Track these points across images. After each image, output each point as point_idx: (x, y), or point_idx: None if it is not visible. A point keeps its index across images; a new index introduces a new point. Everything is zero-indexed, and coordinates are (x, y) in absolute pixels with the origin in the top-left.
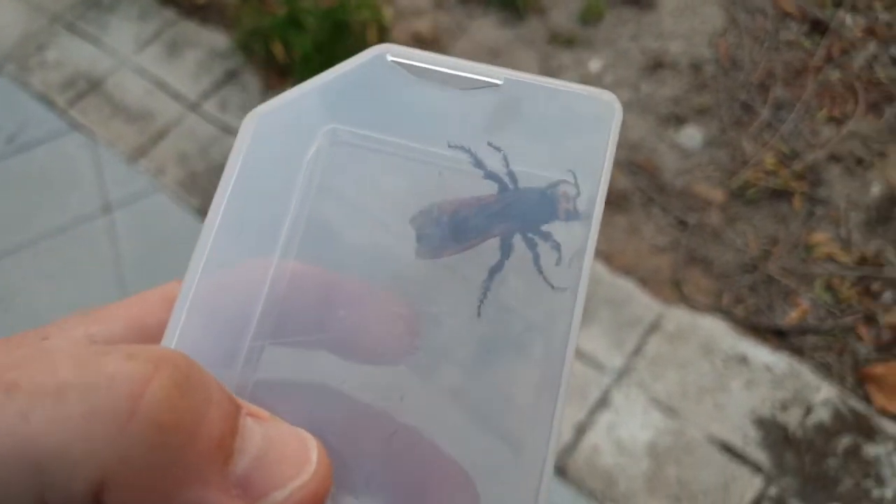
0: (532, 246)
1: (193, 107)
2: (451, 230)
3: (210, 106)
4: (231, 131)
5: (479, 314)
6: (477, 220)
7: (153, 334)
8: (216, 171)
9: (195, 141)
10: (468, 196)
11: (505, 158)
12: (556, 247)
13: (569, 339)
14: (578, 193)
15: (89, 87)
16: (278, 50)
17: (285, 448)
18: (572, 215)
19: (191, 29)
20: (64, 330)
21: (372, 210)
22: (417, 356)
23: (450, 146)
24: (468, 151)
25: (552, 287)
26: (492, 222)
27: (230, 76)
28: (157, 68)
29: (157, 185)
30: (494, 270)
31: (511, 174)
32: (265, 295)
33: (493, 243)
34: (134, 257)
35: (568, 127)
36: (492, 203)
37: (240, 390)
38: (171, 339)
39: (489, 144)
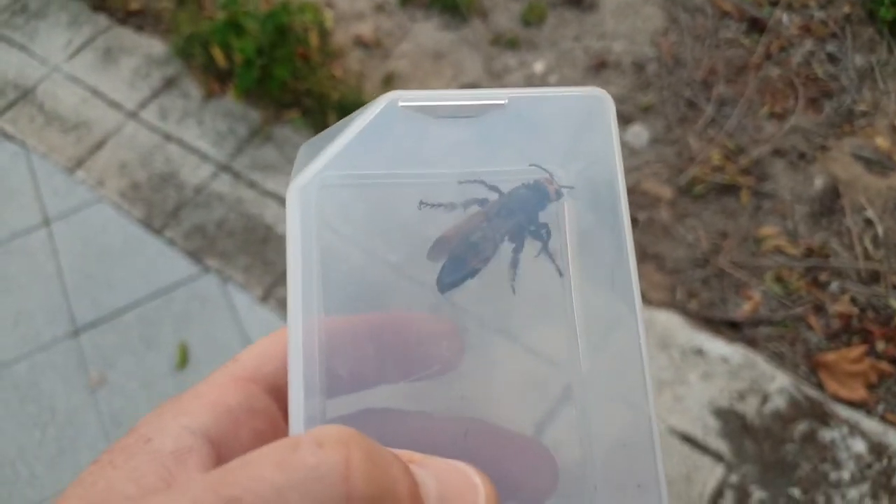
0: (538, 236)
1: (131, 115)
2: (465, 251)
3: (149, 114)
4: (172, 139)
5: (514, 291)
6: (485, 232)
7: (240, 413)
8: (159, 180)
9: (135, 150)
10: (468, 217)
11: (483, 181)
12: (548, 233)
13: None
14: (552, 176)
15: (19, 95)
16: (218, 55)
17: (453, 483)
18: (560, 194)
19: (125, 35)
20: (161, 429)
21: (387, 244)
22: (466, 360)
23: (459, 183)
24: (480, 182)
25: (560, 273)
26: (498, 227)
27: (169, 83)
28: (91, 76)
29: (97, 196)
30: (514, 264)
31: (494, 187)
32: (317, 348)
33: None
34: (77, 269)
35: (571, 126)
36: (491, 211)
37: None
38: (299, 409)
39: (461, 182)
